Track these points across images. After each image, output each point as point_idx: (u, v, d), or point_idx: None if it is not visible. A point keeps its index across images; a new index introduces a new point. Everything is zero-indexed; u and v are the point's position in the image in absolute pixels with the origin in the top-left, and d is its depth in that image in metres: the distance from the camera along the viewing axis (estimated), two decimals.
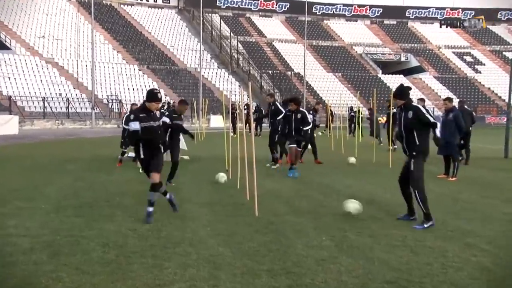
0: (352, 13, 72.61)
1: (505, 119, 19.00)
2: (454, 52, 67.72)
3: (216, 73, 54.14)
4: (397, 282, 4.69)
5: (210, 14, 62.87)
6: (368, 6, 72.75)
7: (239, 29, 64.62)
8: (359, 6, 72.53)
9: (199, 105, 38.86)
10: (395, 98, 7.24)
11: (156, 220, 6.86)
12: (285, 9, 70.36)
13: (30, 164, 13.69)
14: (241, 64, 56.71)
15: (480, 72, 63.77)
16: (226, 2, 68.54)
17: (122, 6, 62.26)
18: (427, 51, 68.04)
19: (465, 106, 15.14)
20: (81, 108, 40.51)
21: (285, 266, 5.07)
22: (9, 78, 42.07)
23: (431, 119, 6.85)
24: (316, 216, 7.33)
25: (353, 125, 28.78)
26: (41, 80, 43.22)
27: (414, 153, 6.90)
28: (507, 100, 21.56)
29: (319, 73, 59.56)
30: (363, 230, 6.53)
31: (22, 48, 48.19)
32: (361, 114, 22.81)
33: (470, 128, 14.24)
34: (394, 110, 15.50)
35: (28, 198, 8.53)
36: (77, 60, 48.61)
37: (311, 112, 15.29)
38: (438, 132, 7.09)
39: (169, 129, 9.85)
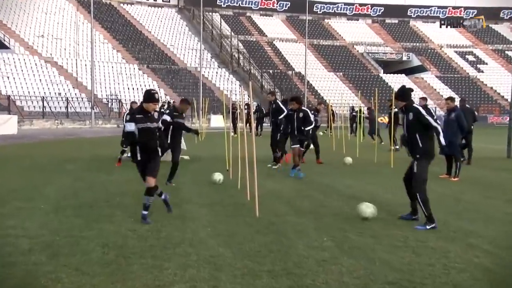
0: (354, 12, 72.51)
1: (508, 119, 18.90)
2: (456, 51, 67.47)
3: (217, 72, 54.07)
4: (398, 283, 4.66)
5: (210, 13, 62.76)
6: (369, 5, 72.56)
7: (239, 28, 64.55)
8: (361, 5, 72.38)
9: (200, 105, 38.83)
10: (396, 100, 7.23)
11: (156, 220, 6.84)
12: (286, 8, 70.26)
13: (29, 164, 13.65)
14: (242, 64, 56.66)
15: (482, 72, 63.52)
16: (226, 1, 68.41)
17: (121, 5, 62.19)
18: (429, 50, 67.84)
19: (467, 105, 15.11)
20: (80, 107, 40.42)
21: (286, 267, 5.04)
22: (8, 77, 41.95)
23: (432, 122, 6.80)
24: (317, 217, 7.30)
25: (354, 125, 28.74)
26: (40, 80, 43.13)
27: (418, 156, 6.88)
28: (509, 100, 21.50)
29: (320, 72, 59.45)
30: (364, 230, 6.50)
31: (21, 47, 48.11)
32: (363, 113, 22.81)
33: (472, 127, 14.21)
34: (396, 110, 15.50)
35: (27, 198, 8.49)
36: (76, 60, 48.54)
37: (312, 112, 15.25)
38: (442, 139, 6.96)
39: (170, 129, 9.78)
